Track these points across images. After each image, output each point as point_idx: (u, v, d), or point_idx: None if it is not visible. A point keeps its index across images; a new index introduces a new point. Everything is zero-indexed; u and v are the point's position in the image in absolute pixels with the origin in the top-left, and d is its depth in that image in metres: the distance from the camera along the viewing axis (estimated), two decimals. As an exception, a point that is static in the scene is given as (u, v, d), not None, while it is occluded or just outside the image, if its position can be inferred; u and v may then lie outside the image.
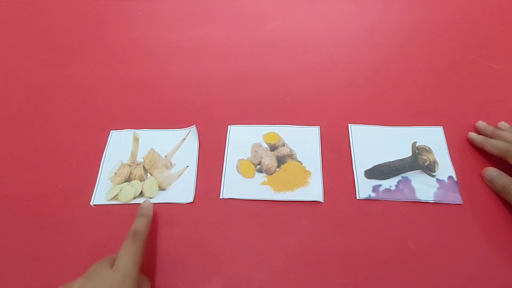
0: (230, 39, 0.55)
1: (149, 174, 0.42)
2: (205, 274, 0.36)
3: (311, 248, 0.37)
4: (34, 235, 0.39)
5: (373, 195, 0.40)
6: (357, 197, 0.40)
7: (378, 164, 0.42)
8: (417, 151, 0.43)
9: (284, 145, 0.44)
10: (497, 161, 0.41)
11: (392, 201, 0.39)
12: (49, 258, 0.37)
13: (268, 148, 0.44)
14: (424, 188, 0.40)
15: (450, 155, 0.42)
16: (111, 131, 0.46)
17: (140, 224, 0.35)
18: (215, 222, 0.39)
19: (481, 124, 0.44)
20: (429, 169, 0.42)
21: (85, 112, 0.48)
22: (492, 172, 0.39)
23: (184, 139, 0.45)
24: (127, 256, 0.32)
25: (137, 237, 0.34)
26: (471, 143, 0.43)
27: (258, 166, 0.43)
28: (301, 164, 0.43)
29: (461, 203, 0.39)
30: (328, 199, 0.40)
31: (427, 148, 0.43)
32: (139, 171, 0.43)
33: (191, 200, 0.40)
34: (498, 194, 0.39)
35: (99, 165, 0.43)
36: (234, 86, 0.50)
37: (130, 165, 0.43)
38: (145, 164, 0.43)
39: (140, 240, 0.33)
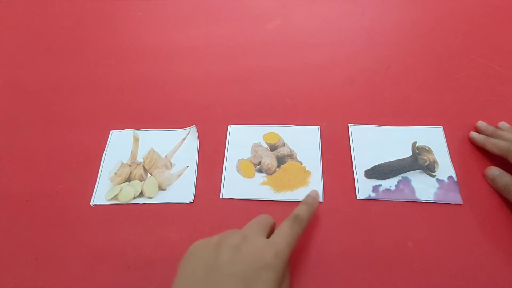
0: (230, 39, 0.55)
1: (149, 174, 0.42)
2: (205, 274, 0.36)
3: (311, 248, 0.37)
4: (34, 235, 0.39)
5: (373, 195, 0.40)
6: (357, 197, 0.40)
7: (378, 164, 0.42)
8: (417, 151, 0.43)
9: (284, 145, 0.44)
10: (497, 161, 0.41)
11: (392, 201, 0.39)
12: (49, 258, 0.37)
13: (268, 148, 0.44)
14: (424, 188, 0.40)
15: (450, 155, 0.42)
16: (111, 131, 0.46)
17: (303, 211, 0.34)
18: (215, 222, 0.39)
19: (481, 124, 0.44)
20: (429, 169, 0.42)
21: (85, 112, 0.48)
22: (494, 171, 0.39)
23: (184, 139, 0.45)
24: (284, 236, 0.30)
25: (298, 222, 0.32)
26: (472, 142, 0.43)
27: (258, 166, 0.43)
28: (301, 164, 0.43)
29: (461, 203, 0.39)
30: (328, 199, 0.40)
31: (427, 148, 0.43)
32: (139, 171, 0.43)
33: (191, 200, 0.40)
34: (500, 193, 0.39)
35: (99, 165, 0.43)
36: (234, 86, 0.50)
37: (130, 165, 0.43)
38: (145, 164, 0.43)
39: (299, 226, 0.32)
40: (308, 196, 0.37)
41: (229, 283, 0.26)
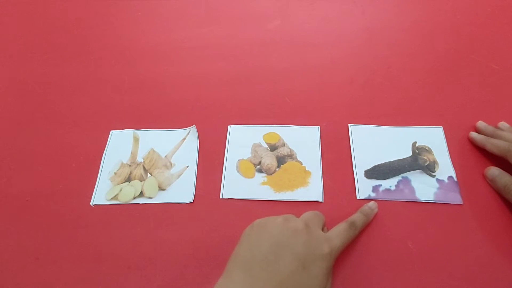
0: (230, 39, 0.55)
1: (149, 174, 0.42)
2: (205, 274, 0.36)
3: (311, 248, 0.37)
4: (34, 235, 0.38)
5: (373, 195, 0.40)
6: (357, 197, 0.40)
7: (378, 164, 0.42)
8: (417, 151, 0.43)
9: (284, 145, 0.44)
10: (496, 161, 0.41)
11: (392, 201, 0.39)
12: (49, 258, 0.37)
13: (268, 148, 0.44)
14: (424, 188, 0.40)
15: (450, 155, 0.42)
16: (111, 131, 0.46)
17: (359, 219, 0.36)
18: (215, 222, 0.39)
19: (481, 124, 0.44)
20: (429, 169, 0.42)
21: (85, 112, 0.48)
22: (494, 171, 0.39)
23: (184, 139, 0.45)
24: (339, 236, 0.33)
25: (353, 227, 0.35)
26: (472, 143, 0.43)
27: (258, 166, 0.43)
28: (301, 164, 0.43)
29: (461, 203, 0.39)
30: (328, 199, 0.40)
31: (427, 148, 0.43)
32: (139, 171, 0.43)
33: (191, 200, 0.40)
34: (500, 193, 0.39)
35: (99, 165, 0.43)
36: (234, 86, 0.50)
37: (130, 165, 0.43)
38: (145, 164, 0.43)
39: (353, 232, 0.35)
40: (366, 205, 0.38)
41: (289, 260, 0.29)
